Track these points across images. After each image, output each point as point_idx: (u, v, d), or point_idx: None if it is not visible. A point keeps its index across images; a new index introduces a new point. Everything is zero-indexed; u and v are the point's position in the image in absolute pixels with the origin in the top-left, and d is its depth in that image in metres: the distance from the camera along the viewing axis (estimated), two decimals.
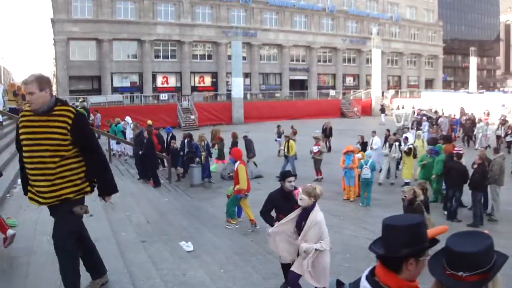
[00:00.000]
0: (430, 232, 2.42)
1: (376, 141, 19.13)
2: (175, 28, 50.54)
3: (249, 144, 19.02)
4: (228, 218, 11.67)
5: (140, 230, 9.11)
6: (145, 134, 16.64)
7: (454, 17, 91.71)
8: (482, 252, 2.15)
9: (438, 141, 17.24)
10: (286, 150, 18.36)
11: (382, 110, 45.65)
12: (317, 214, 6.33)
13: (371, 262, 2.50)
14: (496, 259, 2.19)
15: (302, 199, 6.36)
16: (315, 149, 17.84)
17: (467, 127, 26.72)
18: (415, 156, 16.73)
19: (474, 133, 26.70)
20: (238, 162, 11.65)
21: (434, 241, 2.39)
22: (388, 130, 20.69)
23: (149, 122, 19.96)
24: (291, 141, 18.46)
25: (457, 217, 12.96)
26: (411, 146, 16.90)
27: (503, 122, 26.68)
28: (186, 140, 17.96)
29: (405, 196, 9.25)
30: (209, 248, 9.02)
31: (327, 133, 25.57)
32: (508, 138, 22.96)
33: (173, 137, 18.85)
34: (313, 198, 6.40)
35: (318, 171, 17.94)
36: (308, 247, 6.27)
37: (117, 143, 20.94)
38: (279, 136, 23.88)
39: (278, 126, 24.88)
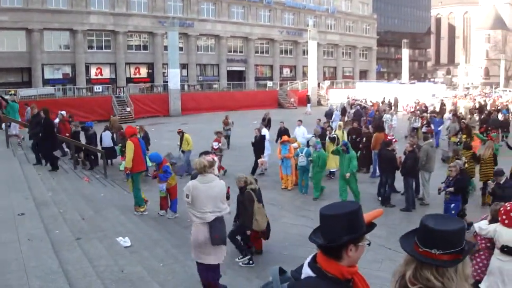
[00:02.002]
0: (367, 216, 2.47)
1: (264, 132, 19.06)
2: (109, 18, 49.05)
3: (145, 136, 18.69)
4: (135, 206, 11.60)
5: (75, 227, 8.87)
6: (42, 114, 15.32)
7: (388, 10, 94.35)
8: (458, 231, 2.23)
9: (363, 133, 17.83)
10: (181, 145, 17.72)
11: (308, 100, 46.69)
12: None
13: (312, 249, 2.56)
14: (466, 244, 2.26)
15: None
16: (215, 145, 16.58)
17: (376, 118, 26.67)
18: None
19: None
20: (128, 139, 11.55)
21: (371, 225, 2.45)
22: (282, 123, 20.73)
23: (63, 112, 19.39)
24: (186, 135, 17.82)
25: (390, 202, 13.48)
26: (334, 135, 17.25)
27: (419, 114, 27.52)
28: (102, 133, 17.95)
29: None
30: (147, 243, 8.95)
31: (266, 124, 25.69)
32: (424, 129, 23.57)
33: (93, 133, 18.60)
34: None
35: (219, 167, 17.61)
36: None
37: (8, 125, 19.70)
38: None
39: (226, 117, 24.79)
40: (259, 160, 16.36)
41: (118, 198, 13.47)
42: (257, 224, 8.70)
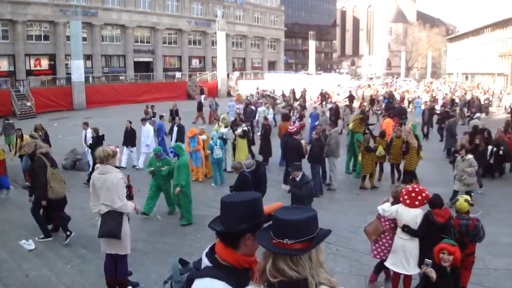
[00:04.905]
0: (266, 208, 2.55)
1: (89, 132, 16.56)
2: (6, 6, 45.78)
3: (45, 135, 17.23)
4: None
5: None
6: None
7: (295, 2, 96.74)
8: (304, 220, 2.26)
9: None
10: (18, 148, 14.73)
11: (201, 91, 46.87)
12: None
13: None
14: (319, 231, 2.32)
15: None
16: None
17: (248, 112, 26.03)
18: (249, 138, 17.50)
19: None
20: None
21: (270, 216, 2.45)
22: (130, 122, 18.49)
23: None
24: (26, 137, 14.87)
25: None
26: (245, 128, 17.31)
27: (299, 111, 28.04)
28: None
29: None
30: (53, 245, 8.66)
31: (173, 115, 25.41)
32: (297, 123, 23.94)
33: None
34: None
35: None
36: None
37: None
38: (152, 117, 23.00)
39: (152, 106, 24.13)
40: None
41: (20, 199, 12.68)
42: (53, 192, 7.99)
